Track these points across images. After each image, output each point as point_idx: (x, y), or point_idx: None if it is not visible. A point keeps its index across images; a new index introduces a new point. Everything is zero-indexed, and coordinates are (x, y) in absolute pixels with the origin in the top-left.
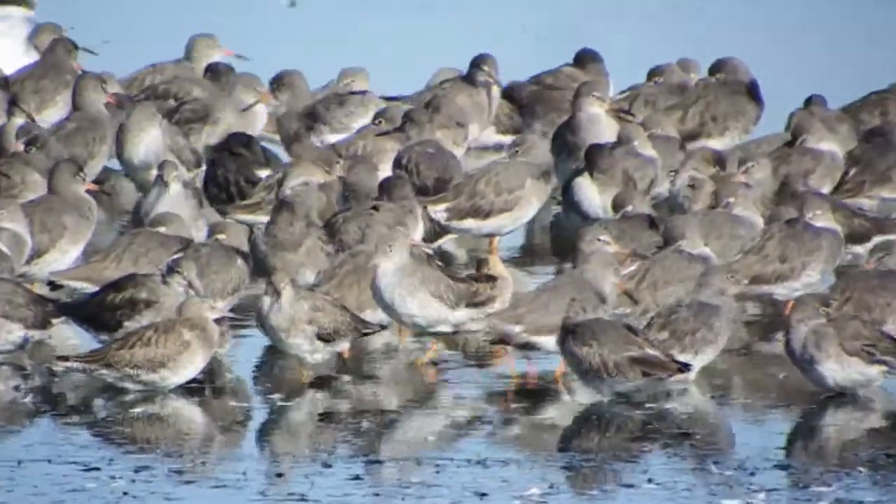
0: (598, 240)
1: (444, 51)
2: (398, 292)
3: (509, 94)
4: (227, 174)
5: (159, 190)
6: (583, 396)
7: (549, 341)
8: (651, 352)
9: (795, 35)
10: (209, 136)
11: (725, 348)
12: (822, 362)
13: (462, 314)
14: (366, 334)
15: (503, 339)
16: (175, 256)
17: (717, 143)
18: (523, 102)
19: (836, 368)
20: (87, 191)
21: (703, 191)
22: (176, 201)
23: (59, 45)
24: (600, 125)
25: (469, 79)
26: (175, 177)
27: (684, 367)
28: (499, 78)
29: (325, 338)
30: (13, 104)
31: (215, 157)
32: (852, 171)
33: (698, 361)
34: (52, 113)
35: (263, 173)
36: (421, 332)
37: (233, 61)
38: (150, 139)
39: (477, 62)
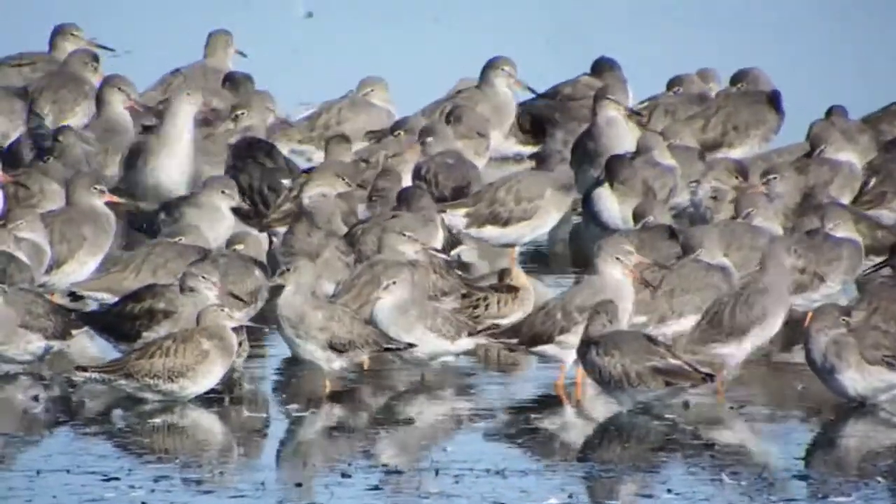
0: (617, 258)
1: (458, 62)
2: (393, 330)
3: (528, 111)
4: (252, 181)
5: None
6: (593, 406)
7: None
8: (674, 361)
9: (821, 45)
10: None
11: (746, 359)
12: (842, 371)
13: (464, 343)
14: (389, 349)
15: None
16: (194, 262)
17: (737, 153)
18: (543, 117)
19: (857, 378)
20: (107, 203)
21: (725, 202)
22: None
23: (76, 57)
24: (618, 128)
25: (487, 82)
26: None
27: (708, 377)
28: (519, 78)
29: (339, 348)
30: (30, 111)
31: (237, 163)
32: (872, 182)
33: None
34: (72, 123)
35: (286, 181)
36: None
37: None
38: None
39: (494, 64)
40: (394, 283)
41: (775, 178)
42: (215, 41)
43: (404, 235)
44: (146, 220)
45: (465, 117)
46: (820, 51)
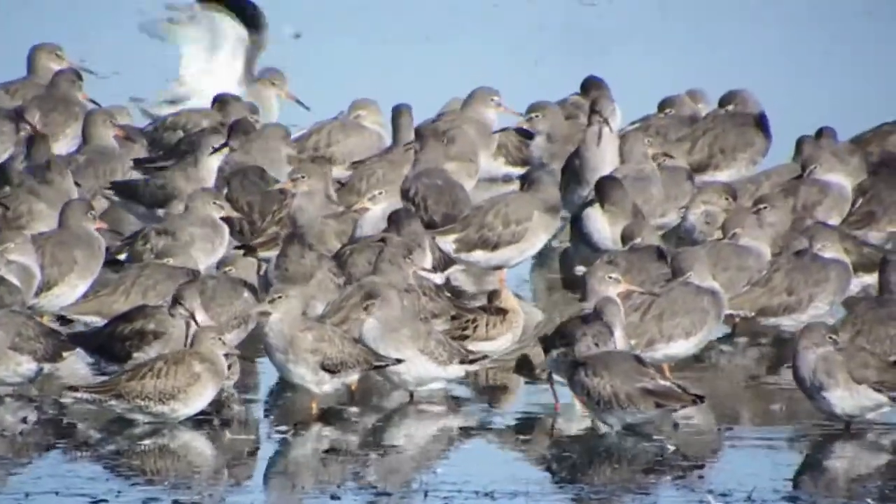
0: (610, 277)
1: (449, 82)
2: (382, 348)
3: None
4: (252, 203)
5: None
6: (583, 427)
7: None
8: (663, 383)
9: (811, 66)
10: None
11: (733, 380)
12: (830, 389)
13: (455, 370)
14: (377, 367)
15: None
16: (180, 285)
17: (724, 175)
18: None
19: (845, 396)
20: (97, 228)
21: (717, 225)
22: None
23: (62, 77)
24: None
25: (472, 109)
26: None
27: (698, 399)
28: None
29: (331, 369)
30: (20, 117)
31: (233, 183)
32: (860, 202)
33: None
34: (62, 146)
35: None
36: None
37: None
38: None
39: (481, 95)
40: (375, 301)
41: (766, 207)
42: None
43: (404, 258)
44: (124, 248)
45: (458, 139)
46: (808, 72)
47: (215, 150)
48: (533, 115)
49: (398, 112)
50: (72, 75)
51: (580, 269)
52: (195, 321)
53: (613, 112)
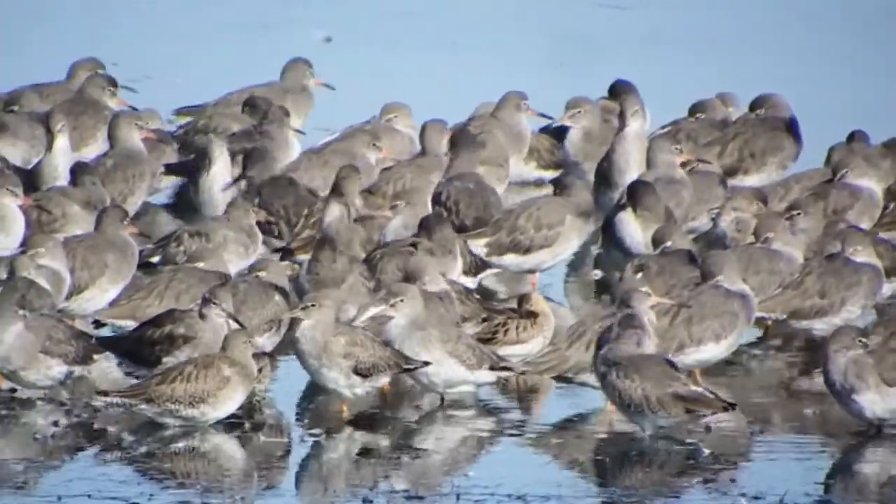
0: (640, 291)
1: (478, 87)
2: (408, 346)
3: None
4: (287, 207)
5: None
6: (615, 430)
7: None
8: (694, 388)
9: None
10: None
11: (764, 384)
12: (861, 392)
13: (484, 375)
14: (407, 370)
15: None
16: (212, 287)
17: (754, 179)
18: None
19: (876, 399)
20: (130, 233)
21: (749, 232)
22: None
23: (93, 81)
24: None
25: (503, 113)
26: None
27: (730, 406)
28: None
29: (363, 373)
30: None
31: (266, 190)
32: (893, 205)
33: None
34: (92, 149)
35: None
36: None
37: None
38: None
39: (512, 99)
40: (401, 300)
41: (799, 213)
42: (295, 68)
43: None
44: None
45: (488, 144)
46: (839, 76)
47: (232, 184)
48: (575, 110)
49: (432, 127)
50: (103, 81)
51: (596, 273)
52: (236, 321)
53: (637, 114)
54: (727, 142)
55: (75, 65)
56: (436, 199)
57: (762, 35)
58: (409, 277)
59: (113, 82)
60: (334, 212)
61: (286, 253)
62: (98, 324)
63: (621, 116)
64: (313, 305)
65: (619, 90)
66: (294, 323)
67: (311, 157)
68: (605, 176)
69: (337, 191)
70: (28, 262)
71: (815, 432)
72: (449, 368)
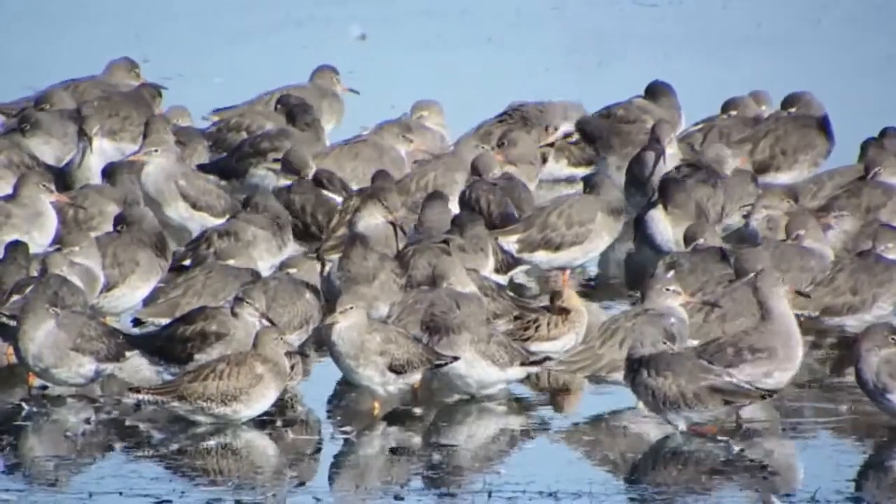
0: (668, 290)
1: (511, 84)
2: (438, 344)
3: (581, 127)
4: (306, 204)
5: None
6: (646, 427)
7: None
8: (730, 380)
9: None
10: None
11: (797, 381)
12: (894, 391)
13: (515, 372)
14: (438, 366)
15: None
16: (244, 286)
17: (786, 177)
18: (596, 135)
19: None
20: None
21: (780, 229)
22: None
23: (145, 90)
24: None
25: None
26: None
27: (768, 395)
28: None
29: (398, 369)
30: (80, 119)
31: (292, 184)
32: None
33: None
34: (131, 145)
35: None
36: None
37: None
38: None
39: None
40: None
41: (843, 215)
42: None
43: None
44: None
45: (520, 142)
46: (871, 74)
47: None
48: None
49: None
50: (153, 90)
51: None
52: (269, 320)
53: (672, 141)
54: (759, 139)
55: (115, 62)
56: (462, 198)
57: (796, 34)
58: (436, 278)
59: (158, 92)
60: (377, 218)
61: (319, 255)
62: (137, 322)
63: (651, 139)
64: (350, 309)
65: (656, 91)
66: (330, 326)
67: (342, 148)
68: (635, 176)
69: (376, 196)
70: (60, 260)
71: (848, 429)
72: (481, 370)
